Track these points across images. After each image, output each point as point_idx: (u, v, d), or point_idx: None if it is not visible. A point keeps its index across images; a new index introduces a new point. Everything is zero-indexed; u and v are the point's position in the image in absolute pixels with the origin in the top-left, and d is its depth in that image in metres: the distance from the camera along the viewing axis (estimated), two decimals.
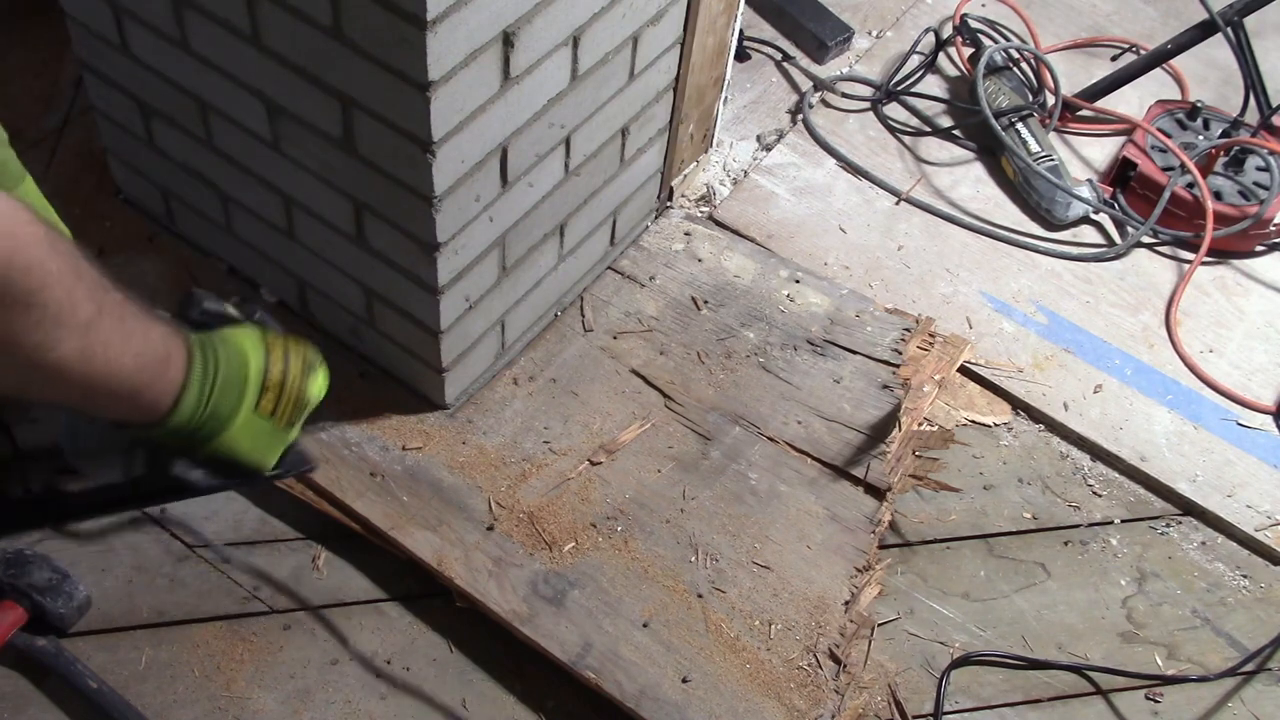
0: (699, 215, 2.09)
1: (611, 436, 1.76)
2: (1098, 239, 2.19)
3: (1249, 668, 1.67)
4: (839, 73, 2.40)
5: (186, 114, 1.64)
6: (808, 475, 1.76)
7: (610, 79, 1.64)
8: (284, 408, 0.96)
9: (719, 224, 2.09)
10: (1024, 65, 2.37)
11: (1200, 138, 2.26)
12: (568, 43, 1.49)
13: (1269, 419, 1.95)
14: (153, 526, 1.65)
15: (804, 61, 2.41)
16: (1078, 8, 2.61)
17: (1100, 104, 2.34)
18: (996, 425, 1.91)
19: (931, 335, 1.96)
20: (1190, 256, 2.15)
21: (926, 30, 2.46)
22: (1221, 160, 2.21)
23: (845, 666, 1.57)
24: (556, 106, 1.55)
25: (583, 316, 1.91)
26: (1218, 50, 2.31)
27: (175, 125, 1.68)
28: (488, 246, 1.59)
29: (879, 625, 1.65)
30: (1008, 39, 2.44)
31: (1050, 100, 2.31)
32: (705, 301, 1.95)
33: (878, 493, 1.74)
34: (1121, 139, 2.31)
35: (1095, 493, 1.85)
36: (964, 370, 1.95)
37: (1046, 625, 1.70)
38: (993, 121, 2.20)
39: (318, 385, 1.00)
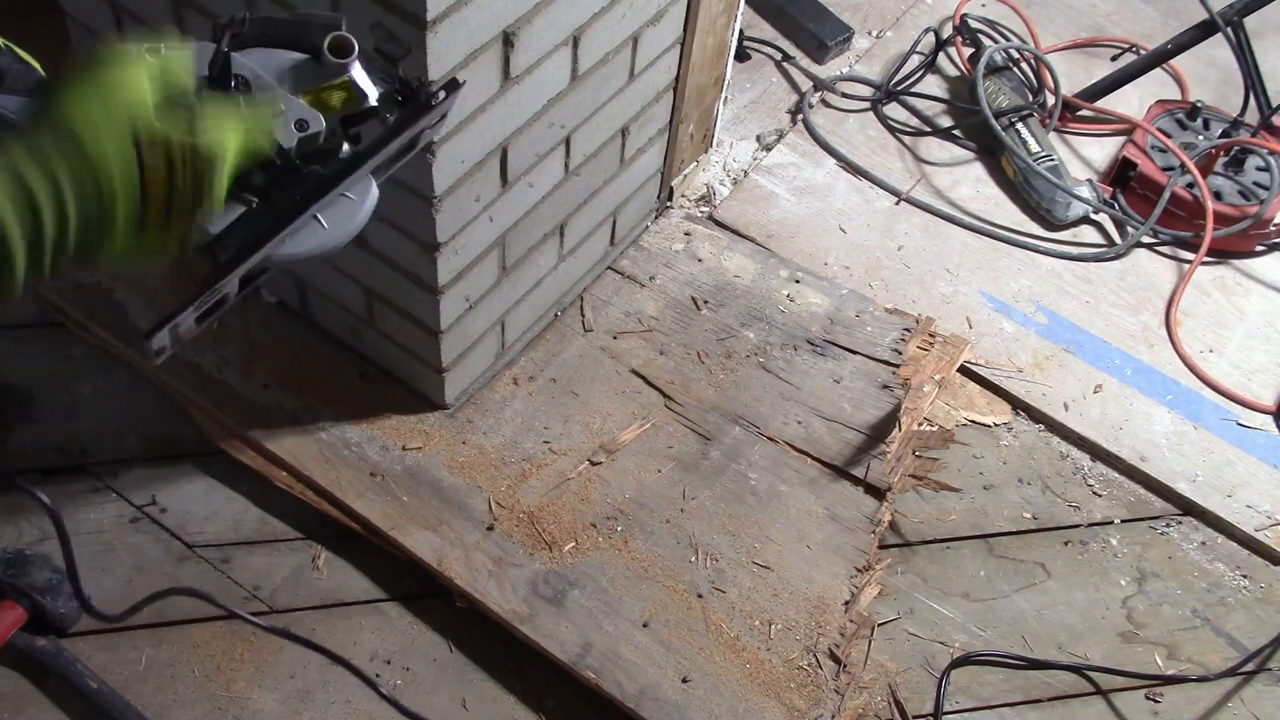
0: (699, 215, 2.09)
1: (611, 436, 1.76)
2: (1098, 239, 2.19)
3: (1249, 668, 1.67)
4: (839, 73, 2.40)
5: None
6: (808, 475, 1.76)
7: (610, 79, 1.64)
8: (175, 225, 0.72)
9: (719, 224, 2.09)
10: (1024, 65, 2.37)
11: (1200, 138, 2.26)
12: (568, 43, 1.49)
13: (1269, 419, 1.95)
14: (152, 526, 1.65)
15: (804, 61, 2.41)
16: (1078, 8, 2.61)
17: (1100, 104, 2.34)
18: (996, 425, 1.91)
19: (931, 335, 1.96)
20: (1190, 256, 2.15)
21: (926, 30, 2.46)
22: (1221, 160, 2.21)
23: (845, 666, 1.57)
24: (556, 106, 1.55)
25: (583, 316, 1.91)
26: (1218, 50, 2.31)
27: None
28: (488, 246, 1.59)
29: (879, 625, 1.65)
30: (1008, 39, 2.44)
31: (1050, 100, 2.31)
32: (705, 301, 1.95)
33: (878, 493, 1.74)
34: (1121, 139, 2.31)
35: (1095, 493, 1.85)
36: (964, 370, 1.95)
37: (1046, 625, 1.70)
38: (993, 121, 2.20)
39: (215, 192, 0.74)
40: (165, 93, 0.71)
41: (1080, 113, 2.35)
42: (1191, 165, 2.14)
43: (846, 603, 1.63)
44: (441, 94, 0.90)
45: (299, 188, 0.82)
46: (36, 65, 0.81)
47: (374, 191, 0.89)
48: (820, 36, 2.40)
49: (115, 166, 0.68)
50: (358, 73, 0.87)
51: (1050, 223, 2.18)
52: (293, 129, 0.83)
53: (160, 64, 0.72)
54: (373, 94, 0.88)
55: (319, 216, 0.84)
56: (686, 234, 2.05)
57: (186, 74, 0.73)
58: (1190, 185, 2.15)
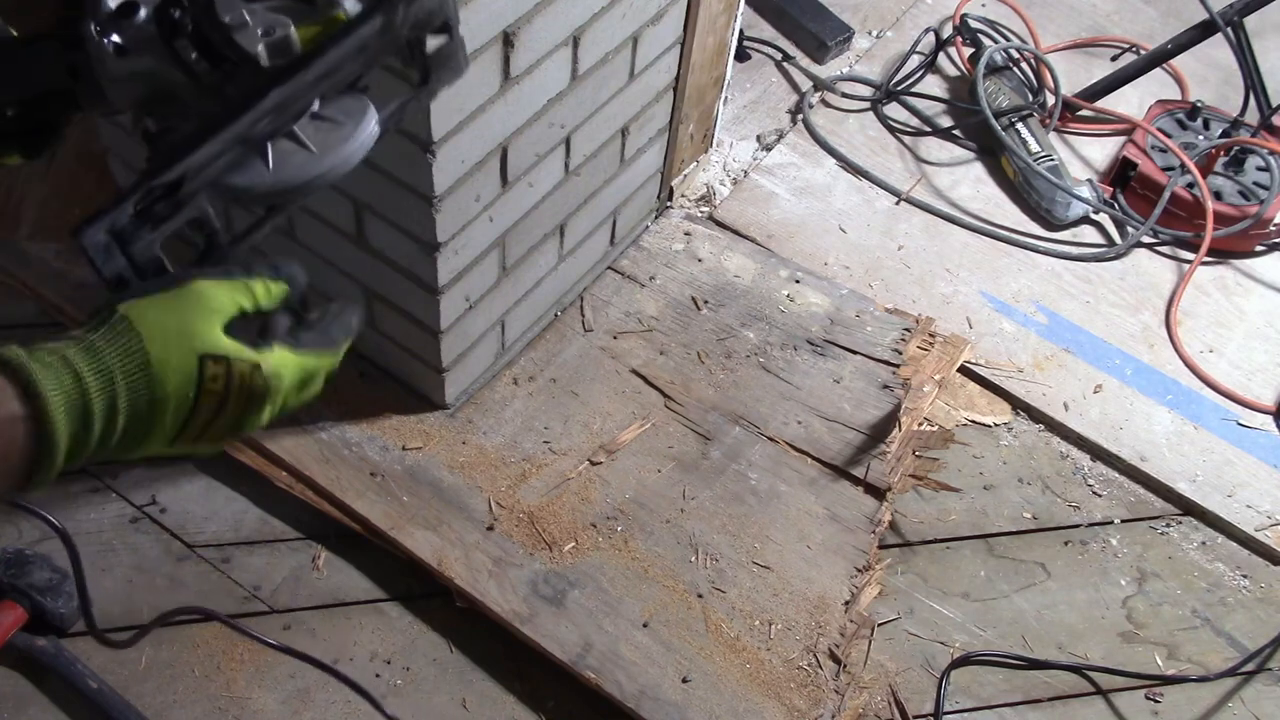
0: (699, 215, 2.09)
1: (611, 436, 1.76)
2: (1098, 239, 2.19)
3: (1249, 668, 1.67)
4: (839, 73, 2.40)
5: None
6: (808, 475, 1.76)
7: (610, 79, 1.64)
8: (207, 442, 0.71)
9: (719, 224, 2.09)
10: (1024, 65, 2.37)
11: (1200, 138, 2.26)
12: (568, 43, 1.49)
13: (1269, 419, 1.95)
14: (152, 526, 1.65)
15: (804, 61, 2.41)
16: (1078, 8, 2.61)
17: (1100, 104, 2.34)
18: (996, 425, 1.91)
19: (931, 335, 1.96)
20: (1190, 256, 2.15)
21: (926, 30, 2.46)
22: (1221, 160, 2.21)
23: (845, 666, 1.57)
24: (556, 106, 1.55)
25: (583, 316, 1.91)
26: (1218, 50, 2.31)
27: None
28: (488, 246, 1.59)
29: (879, 625, 1.65)
30: (1008, 39, 2.44)
31: (1050, 100, 2.31)
32: (705, 301, 1.95)
33: (878, 493, 1.74)
34: (1121, 139, 2.31)
35: (1095, 493, 1.85)
36: (964, 370, 1.95)
37: (1046, 625, 1.70)
38: (993, 121, 2.20)
39: (262, 420, 0.71)
40: (240, 311, 0.69)
41: (1080, 113, 2.35)
42: (1191, 165, 2.14)
43: (846, 603, 1.63)
44: None
45: (260, 78, 0.74)
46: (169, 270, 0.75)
47: (372, 117, 0.81)
48: (820, 36, 2.40)
49: (173, 379, 0.65)
50: (350, 3, 0.79)
51: (1050, 223, 2.18)
52: (257, 34, 0.75)
53: (243, 286, 0.69)
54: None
55: (299, 134, 0.76)
56: (686, 234, 2.05)
57: (269, 298, 0.71)
58: (1190, 185, 2.15)
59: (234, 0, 0.76)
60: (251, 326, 0.69)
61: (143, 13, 0.75)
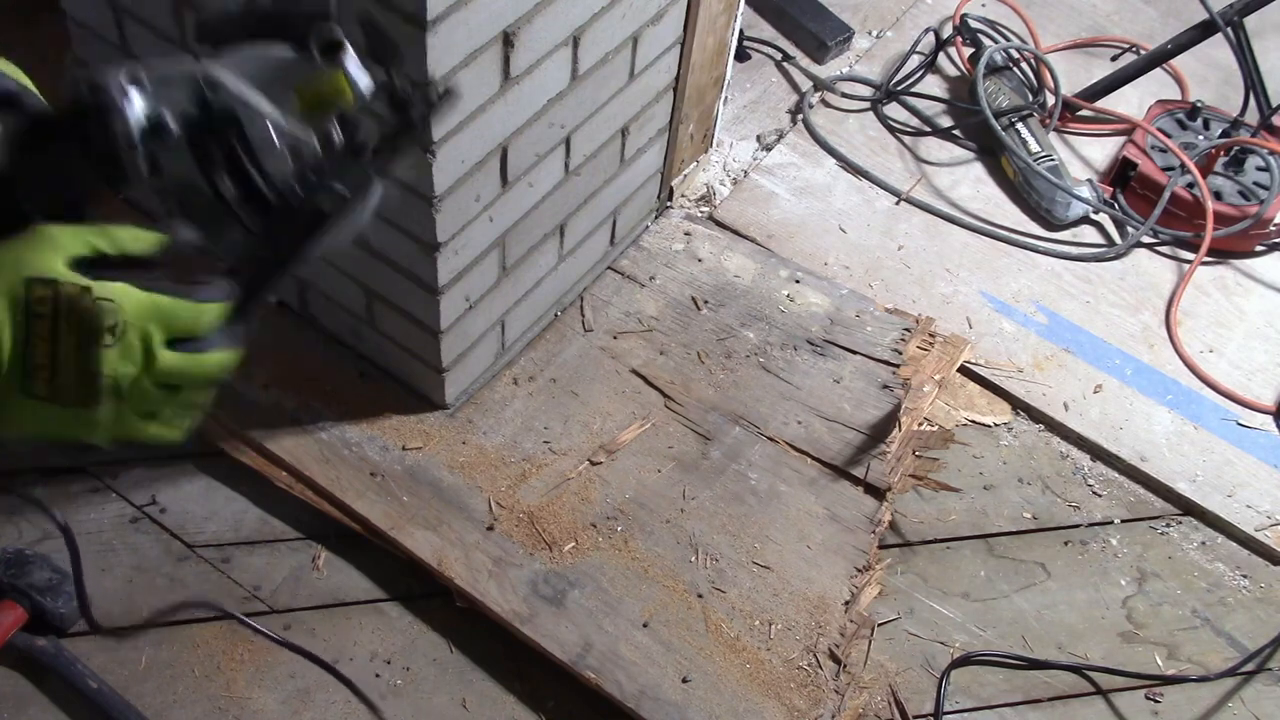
0: (699, 215, 2.09)
1: (611, 436, 1.76)
2: (1098, 239, 2.19)
3: (1249, 668, 1.67)
4: (839, 73, 2.40)
5: None
6: (808, 475, 1.76)
7: (610, 79, 1.64)
8: (65, 390, 0.69)
9: (719, 224, 2.09)
10: (1024, 65, 2.37)
11: (1200, 138, 2.26)
12: (568, 43, 1.49)
13: (1269, 419, 1.95)
14: (153, 526, 1.65)
15: (804, 61, 2.41)
16: (1078, 8, 2.61)
17: (1100, 104, 2.34)
18: (996, 425, 1.91)
19: (931, 335, 1.96)
20: (1190, 256, 2.15)
21: (926, 30, 2.46)
22: (1221, 160, 2.21)
23: (845, 666, 1.57)
24: (556, 106, 1.55)
25: (583, 316, 1.91)
26: (1218, 50, 2.31)
27: None
28: (488, 246, 1.59)
29: (879, 625, 1.65)
30: (1008, 39, 2.44)
31: (1050, 100, 2.31)
32: (705, 301, 1.95)
33: (878, 493, 1.74)
34: (1121, 139, 2.31)
35: (1095, 493, 1.85)
36: (964, 370, 1.95)
37: (1046, 625, 1.70)
38: (993, 121, 2.20)
39: (111, 358, 0.69)
40: (93, 251, 0.69)
41: (1080, 113, 2.35)
42: (1191, 165, 2.14)
43: (846, 603, 1.63)
44: (436, 97, 0.85)
45: (298, 224, 0.78)
46: (28, 83, 0.78)
47: (377, 190, 0.85)
48: (820, 36, 2.40)
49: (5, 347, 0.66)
50: (353, 67, 0.83)
51: (1050, 223, 2.18)
52: (285, 151, 0.78)
53: (98, 230, 0.70)
54: (365, 84, 0.84)
55: None
56: (686, 234, 2.05)
57: (136, 242, 0.71)
58: (1190, 185, 2.15)
59: (257, 116, 0.78)
60: (113, 269, 0.69)
61: (174, 128, 0.77)
